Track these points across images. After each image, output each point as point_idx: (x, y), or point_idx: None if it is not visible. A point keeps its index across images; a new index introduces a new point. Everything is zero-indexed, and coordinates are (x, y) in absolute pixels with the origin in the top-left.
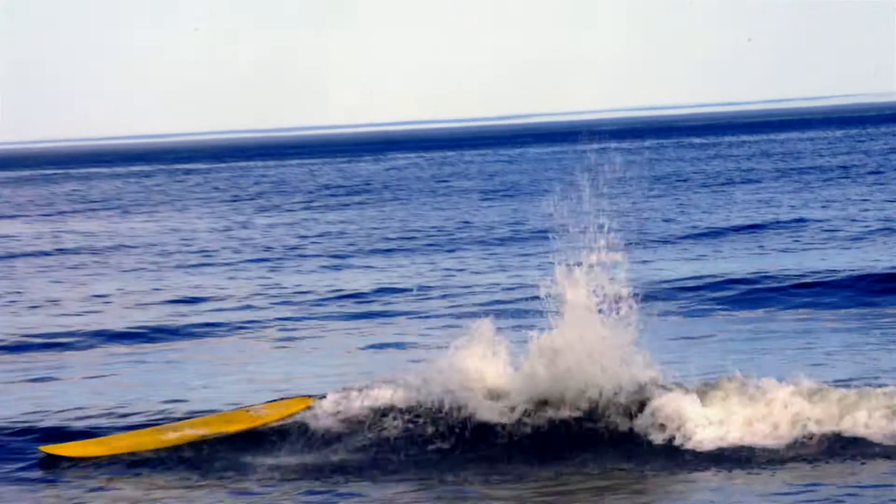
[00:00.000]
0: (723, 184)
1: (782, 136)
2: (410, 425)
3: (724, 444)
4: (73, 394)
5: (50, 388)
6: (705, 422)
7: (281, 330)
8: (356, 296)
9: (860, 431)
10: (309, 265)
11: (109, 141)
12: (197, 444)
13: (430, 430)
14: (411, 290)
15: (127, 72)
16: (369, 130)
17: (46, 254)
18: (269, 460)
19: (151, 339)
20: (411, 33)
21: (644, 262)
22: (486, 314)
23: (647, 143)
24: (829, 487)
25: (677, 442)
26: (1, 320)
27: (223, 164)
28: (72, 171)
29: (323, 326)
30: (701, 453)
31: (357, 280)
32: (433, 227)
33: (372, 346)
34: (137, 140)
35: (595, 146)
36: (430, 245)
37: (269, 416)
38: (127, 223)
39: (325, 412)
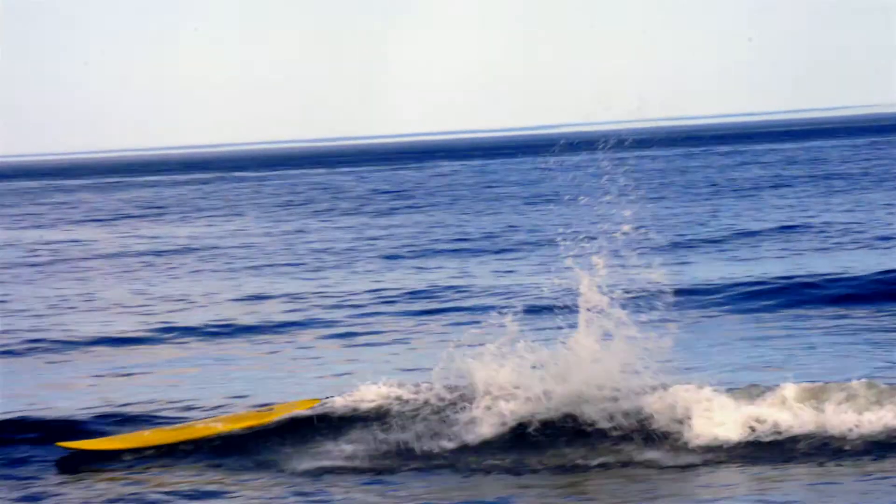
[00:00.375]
0: (757, 188)
1: (807, 143)
2: (443, 421)
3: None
4: (145, 388)
5: (123, 382)
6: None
7: (342, 328)
8: (415, 294)
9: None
10: (374, 265)
11: (166, 151)
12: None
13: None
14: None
15: (179, 85)
16: (412, 140)
17: (125, 255)
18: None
19: (222, 337)
20: (451, 46)
21: (683, 264)
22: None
23: (678, 150)
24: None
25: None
26: (81, 319)
27: (274, 172)
28: (136, 179)
29: (384, 324)
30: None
31: (408, 279)
32: (484, 231)
33: (426, 344)
34: (191, 150)
35: (628, 154)
36: (484, 247)
37: (275, 414)
38: (192, 227)
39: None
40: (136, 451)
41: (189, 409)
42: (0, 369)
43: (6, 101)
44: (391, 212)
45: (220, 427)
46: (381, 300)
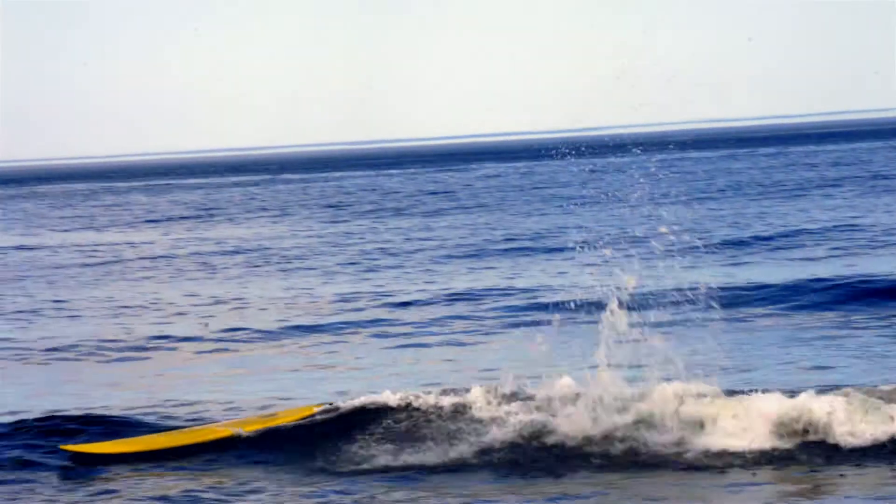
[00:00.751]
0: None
1: (852, 145)
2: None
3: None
4: (191, 387)
5: (171, 381)
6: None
7: (392, 327)
8: (467, 295)
9: None
10: (429, 266)
11: (209, 153)
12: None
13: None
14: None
15: (227, 87)
16: (453, 143)
17: (185, 256)
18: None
19: (280, 338)
20: (495, 49)
21: (734, 265)
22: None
23: (721, 152)
24: None
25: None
26: (134, 321)
27: (319, 174)
28: (184, 181)
29: (434, 326)
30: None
31: (459, 281)
32: (546, 231)
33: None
34: (237, 152)
35: (673, 156)
36: (541, 247)
37: (278, 420)
38: (252, 228)
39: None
40: (139, 455)
41: (231, 409)
42: (61, 369)
43: (44, 103)
44: (442, 212)
45: (221, 431)
46: (445, 300)
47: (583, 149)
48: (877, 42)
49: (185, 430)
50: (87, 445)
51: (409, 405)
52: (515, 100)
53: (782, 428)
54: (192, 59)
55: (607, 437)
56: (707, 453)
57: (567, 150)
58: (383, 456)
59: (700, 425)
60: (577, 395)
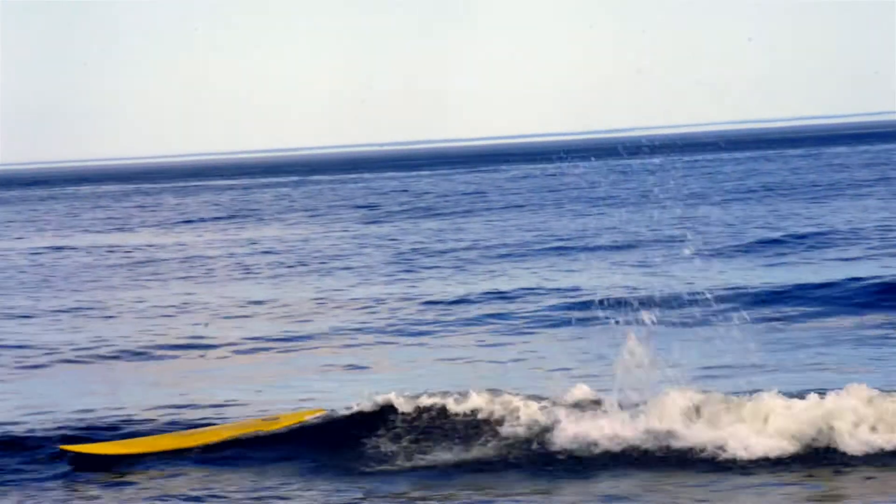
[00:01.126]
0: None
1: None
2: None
3: None
4: (219, 389)
5: (195, 383)
6: None
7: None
8: (499, 295)
9: None
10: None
11: (240, 154)
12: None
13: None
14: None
15: (260, 90)
16: (480, 144)
17: (220, 257)
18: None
19: (310, 339)
20: (521, 52)
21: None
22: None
23: (750, 153)
24: None
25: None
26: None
27: (349, 176)
28: (213, 183)
29: (460, 329)
30: None
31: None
32: (576, 231)
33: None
34: (259, 154)
35: (706, 157)
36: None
37: (279, 424)
38: (291, 230)
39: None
40: (138, 457)
41: (259, 411)
42: (97, 371)
43: (70, 105)
44: (475, 213)
45: (223, 434)
46: (481, 300)
47: (621, 149)
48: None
49: (186, 432)
50: (87, 446)
51: (424, 407)
52: (542, 101)
53: (804, 431)
54: (222, 60)
55: (626, 440)
56: (726, 455)
57: (578, 153)
58: (407, 455)
59: (718, 427)
60: (596, 400)
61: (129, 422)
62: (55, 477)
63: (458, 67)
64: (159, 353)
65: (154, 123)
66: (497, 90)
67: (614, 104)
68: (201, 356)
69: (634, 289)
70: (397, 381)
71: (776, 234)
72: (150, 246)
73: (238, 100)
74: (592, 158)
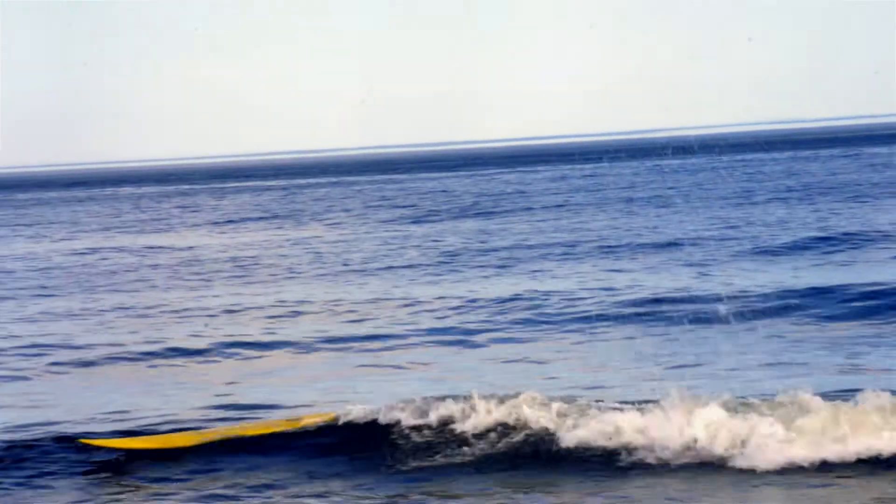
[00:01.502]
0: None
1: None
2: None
3: None
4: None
5: (236, 388)
6: None
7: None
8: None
9: None
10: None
11: (276, 156)
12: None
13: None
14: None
15: (289, 93)
16: (514, 145)
17: (263, 257)
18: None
19: (346, 341)
20: (556, 50)
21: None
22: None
23: (785, 154)
24: None
25: None
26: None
27: (385, 177)
28: (246, 184)
29: (507, 331)
30: None
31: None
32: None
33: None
34: (298, 155)
35: (734, 158)
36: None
37: (295, 424)
38: (328, 230)
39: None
40: (159, 453)
41: (299, 407)
42: (139, 372)
43: (95, 107)
44: (516, 213)
45: (243, 432)
46: (514, 301)
47: (667, 150)
48: None
49: (210, 429)
50: (107, 441)
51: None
52: (574, 102)
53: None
54: (264, 60)
55: (625, 444)
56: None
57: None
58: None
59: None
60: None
61: (171, 421)
62: (83, 474)
63: (482, 70)
64: (203, 353)
65: (174, 125)
66: (518, 92)
67: (635, 105)
68: (246, 357)
69: (684, 289)
70: (443, 381)
71: (817, 234)
72: (197, 247)
73: (267, 104)
74: (629, 158)
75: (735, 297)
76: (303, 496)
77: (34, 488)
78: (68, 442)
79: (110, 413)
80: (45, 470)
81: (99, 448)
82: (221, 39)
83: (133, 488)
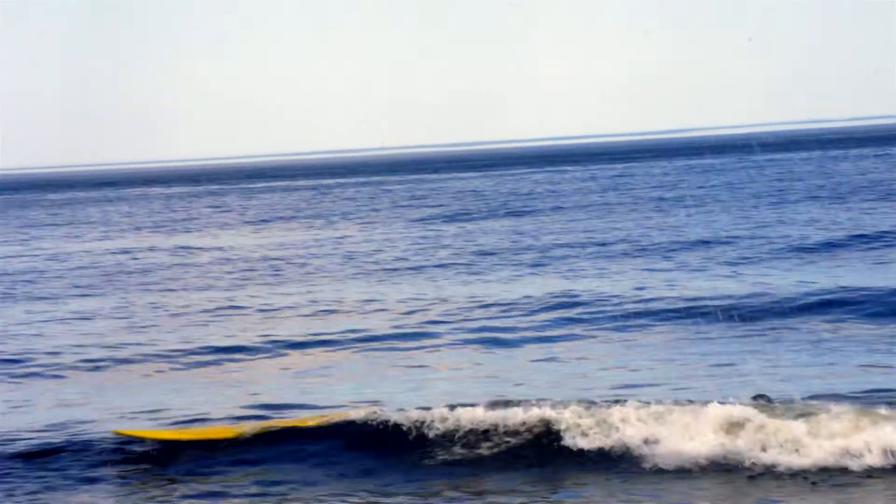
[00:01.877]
0: None
1: None
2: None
3: None
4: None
5: (246, 387)
6: None
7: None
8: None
9: None
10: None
11: (298, 156)
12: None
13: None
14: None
15: (305, 94)
16: (539, 145)
17: (292, 258)
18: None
19: (376, 340)
20: (577, 51)
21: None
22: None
23: (814, 153)
24: None
25: None
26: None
27: (413, 177)
28: (278, 184)
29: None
30: None
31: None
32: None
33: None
34: (313, 156)
35: (762, 157)
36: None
37: (313, 421)
38: (359, 231)
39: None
40: (194, 444)
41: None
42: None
43: (124, 107)
44: (549, 212)
45: (273, 425)
46: (548, 304)
47: (704, 150)
48: None
49: (241, 424)
50: (142, 431)
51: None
52: (593, 103)
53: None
54: (295, 59)
55: (635, 448)
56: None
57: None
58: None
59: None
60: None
61: (203, 420)
62: (120, 464)
63: (505, 71)
64: (237, 352)
65: (201, 126)
66: (543, 92)
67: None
68: (279, 356)
69: (717, 289)
70: (476, 382)
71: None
72: (230, 247)
73: (291, 105)
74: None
75: (769, 296)
76: (335, 494)
77: (76, 481)
78: (104, 437)
79: (143, 412)
80: (84, 464)
81: (133, 440)
82: (248, 44)
83: (168, 481)
